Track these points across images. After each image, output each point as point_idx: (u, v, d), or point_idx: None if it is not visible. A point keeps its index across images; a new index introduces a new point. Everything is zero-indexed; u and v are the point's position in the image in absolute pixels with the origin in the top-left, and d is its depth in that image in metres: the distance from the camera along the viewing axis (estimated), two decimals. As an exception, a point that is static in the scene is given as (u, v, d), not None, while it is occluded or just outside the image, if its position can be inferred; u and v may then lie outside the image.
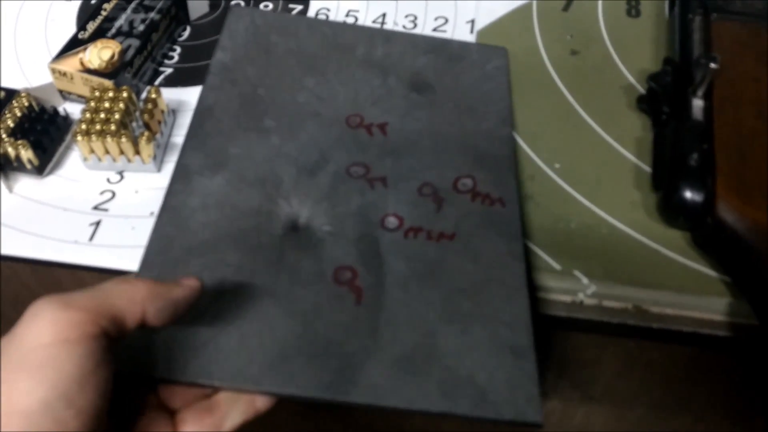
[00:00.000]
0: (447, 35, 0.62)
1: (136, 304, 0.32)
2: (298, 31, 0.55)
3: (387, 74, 0.53)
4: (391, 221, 0.44)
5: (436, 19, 0.64)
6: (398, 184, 0.46)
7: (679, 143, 0.48)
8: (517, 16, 0.63)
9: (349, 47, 0.54)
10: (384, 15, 0.64)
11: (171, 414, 0.37)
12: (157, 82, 0.59)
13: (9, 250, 0.48)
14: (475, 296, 0.42)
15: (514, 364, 0.39)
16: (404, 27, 0.63)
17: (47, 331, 0.28)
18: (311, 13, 0.65)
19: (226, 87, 0.50)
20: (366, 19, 0.64)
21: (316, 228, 0.43)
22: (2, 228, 0.49)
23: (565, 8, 0.63)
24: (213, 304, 0.39)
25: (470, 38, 0.61)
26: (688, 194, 0.46)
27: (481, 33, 0.61)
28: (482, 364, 0.39)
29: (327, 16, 0.64)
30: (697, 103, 0.50)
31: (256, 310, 0.40)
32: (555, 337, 0.50)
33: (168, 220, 0.43)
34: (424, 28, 0.63)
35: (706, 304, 0.45)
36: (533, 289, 0.45)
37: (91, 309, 0.30)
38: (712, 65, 0.48)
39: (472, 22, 0.63)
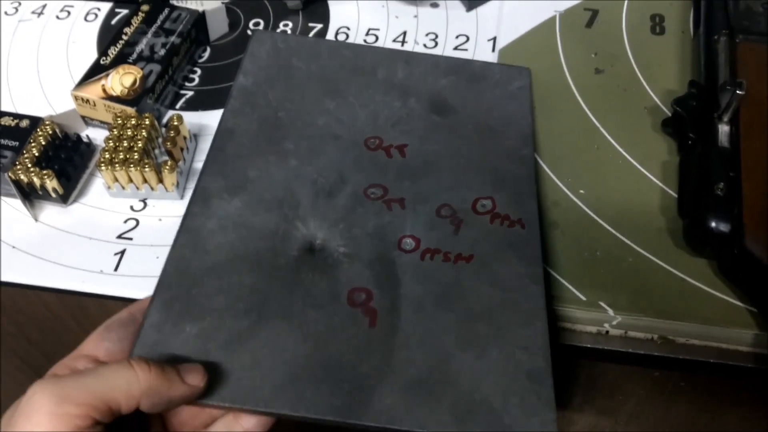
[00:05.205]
0: (468, 54, 0.62)
1: (132, 397, 0.32)
2: (320, 53, 0.55)
3: (408, 96, 0.53)
4: (408, 243, 0.45)
5: (457, 37, 0.63)
6: (416, 205, 0.46)
7: (705, 171, 0.47)
8: (540, 34, 0.62)
9: (370, 69, 0.54)
10: (404, 33, 0.64)
11: None
12: (177, 106, 0.59)
13: (35, 280, 0.49)
14: (492, 320, 0.41)
15: (530, 389, 0.39)
16: (425, 46, 0.63)
17: (42, 426, 0.30)
18: (331, 31, 0.65)
19: (246, 111, 0.50)
20: (386, 37, 0.64)
21: (331, 249, 0.44)
22: (28, 257, 0.49)
23: (589, 24, 0.62)
24: (226, 326, 0.40)
25: (492, 57, 0.61)
26: (714, 225, 0.45)
27: (503, 51, 0.61)
28: (498, 388, 0.39)
29: (347, 35, 0.64)
30: (724, 129, 0.49)
31: (270, 332, 0.40)
32: (580, 365, 0.50)
33: (185, 242, 0.43)
34: (445, 47, 0.63)
35: (732, 335, 0.45)
36: (552, 313, 0.45)
37: (85, 403, 0.30)
38: (738, 92, 0.47)
39: (494, 39, 0.63)
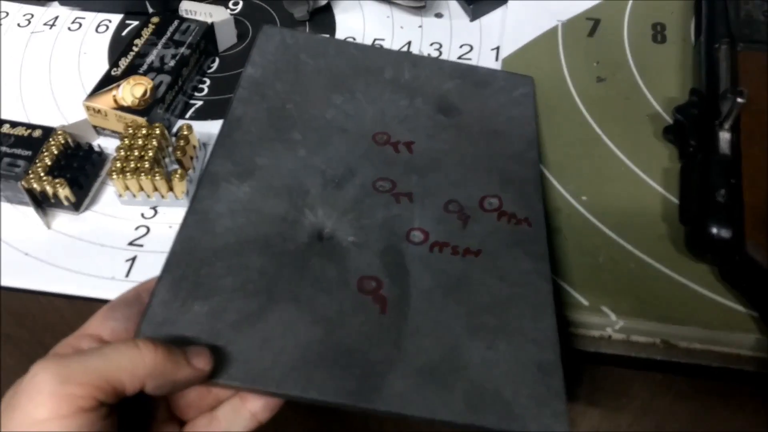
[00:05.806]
0: (472, 63, 0.63)
1: (137, 378, 0.31)
2: (327, 51, 0.56)
3: (414, 96, 0.54)
4: (417, 235, 0.45)
5: (461, 46, 0.64)
6: (424, 199, 0.47)
7: (707, 178, 0.48)
8: (543, 43, 0.63)
9: (376, 69, 0.55)
10: (409, 43, 0.65)
11: (180, 426, 0.38)
12: (187, 115, 0.60)
13: (47, 286, 0.50)
14: (501, 312, 0.42)
15: (540, 380, 0.39)
16: (429, 55, 0.64)
17: (44, 407, 0.29)
18: (337, 41, 0.66)
19: (255, 100, 0.51)
20: (391, 47, 0.65)
21: (340, 238, 0.44)
22: (41, 264, 0.50)
23: (591, 33, 0.63)
24: (236, 306, 0.39)
25: (495, 66, 0.62)
26: (716, 231, 0.45)
27: (506, 60, 0.62)
28: (508, 378, 0.39)
29: (353, 45, 0.65)
30: (725, 136, 0.49)
31: (279, 315, 0.40)
32: (583, 368, 0.50)
33: (194, 224, 0.43)
34: (449, 56, 0.63)
35: (734, 339, 0.45)
36: (561, 309, 0.46)
37: (89, 383, 0.30)
38: (739, 100, 0.48)
39: (497, 49, 0.64)
